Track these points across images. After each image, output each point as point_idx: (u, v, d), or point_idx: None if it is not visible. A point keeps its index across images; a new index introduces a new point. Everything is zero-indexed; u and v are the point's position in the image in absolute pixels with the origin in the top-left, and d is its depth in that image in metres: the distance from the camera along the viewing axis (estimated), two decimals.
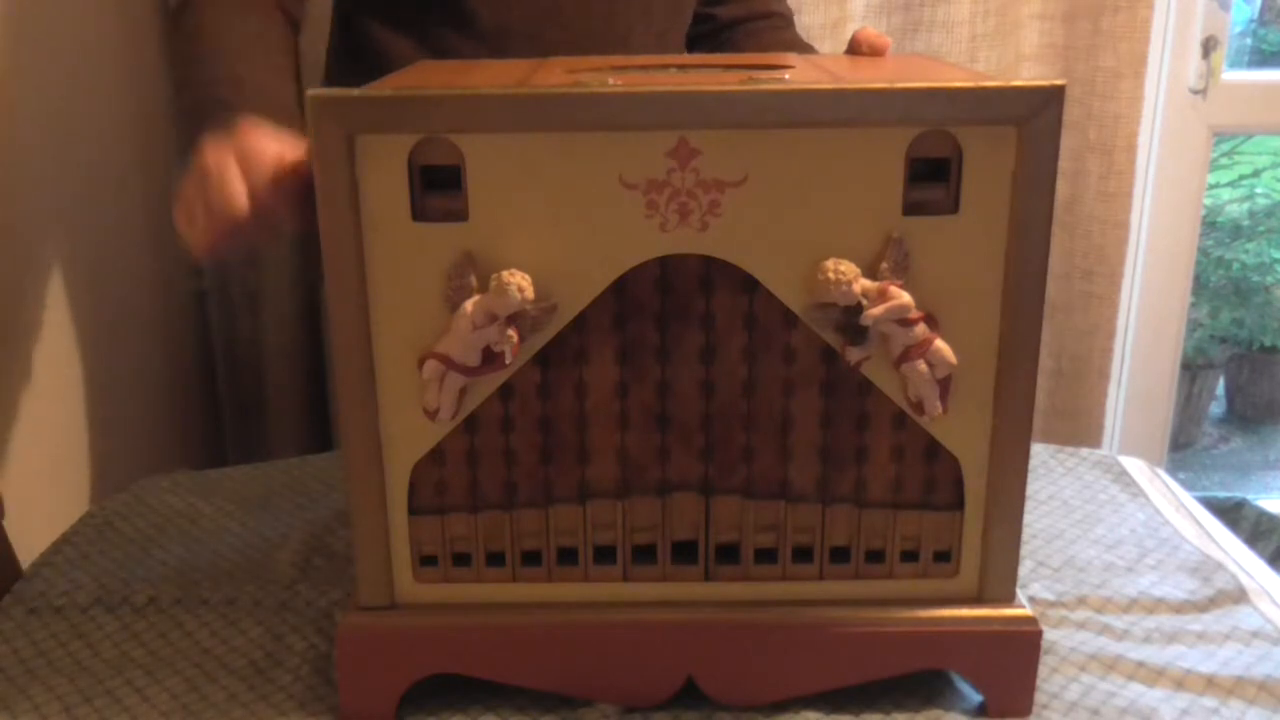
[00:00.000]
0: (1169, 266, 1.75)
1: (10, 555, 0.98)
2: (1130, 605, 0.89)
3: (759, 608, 0.75)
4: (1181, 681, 0.79)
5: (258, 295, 1.57)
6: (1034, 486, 1.06)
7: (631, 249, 0.69)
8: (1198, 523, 1.03)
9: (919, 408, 0.71)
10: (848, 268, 0.68)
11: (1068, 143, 1.53)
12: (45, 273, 1.22)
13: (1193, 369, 3.02)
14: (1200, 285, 2.99)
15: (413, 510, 0.74)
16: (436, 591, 0.75)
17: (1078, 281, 1.65)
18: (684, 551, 0.75)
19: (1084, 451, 1.17)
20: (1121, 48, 1.54)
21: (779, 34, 1.20)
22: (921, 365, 0.70)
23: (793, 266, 0.69)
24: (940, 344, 0.70)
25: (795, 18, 1.25)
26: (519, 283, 0.67)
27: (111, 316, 1.34)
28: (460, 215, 0.68)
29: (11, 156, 1.15)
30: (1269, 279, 3.10)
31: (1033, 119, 0.66)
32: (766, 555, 0.75)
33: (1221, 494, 2.51)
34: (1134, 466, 1.13)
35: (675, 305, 0.71)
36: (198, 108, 0.83)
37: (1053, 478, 1.11)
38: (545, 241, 0.69)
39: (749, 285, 0.70)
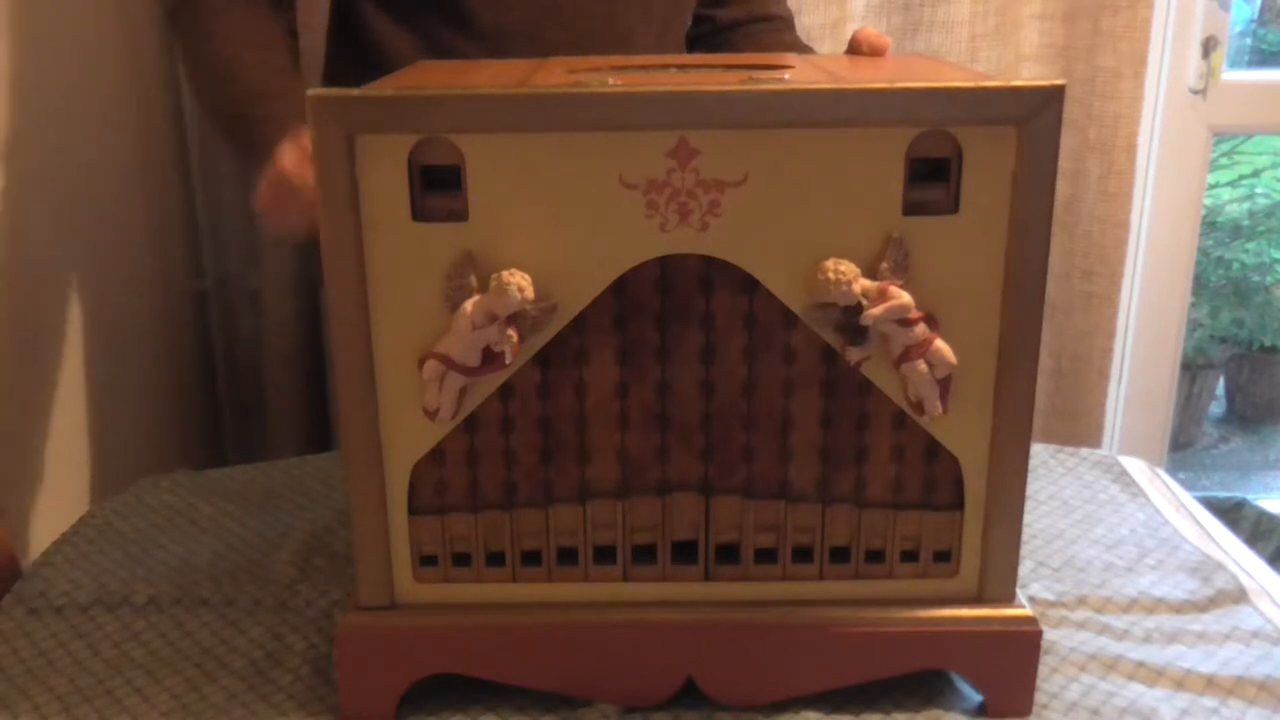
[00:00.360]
0: (1169, 266, 1.75)
1: (10, 555, 0.98)
2: (1130, 605, 0.89)
3: (759, 608, 0.75)
4: (1181, 681, 0.79)
5: (258, 295, 1.57)
6: (1034, 486, 1.06)
7: (631, 249, 0.69)
8: (1198, 523, 1.03)
9: (919, 408, 0.71)
10: (848, 268, 0.68)
11: (1068, 143, 1.53)
12: (45, 273, 1.22)
13: (1193, 369, 3.02)
14: (1200, 285, 2.99)
15: (413, 510, 0.74)
16: (436, 591, 0.75)
17: (1078, 281, 1.65)
18: (684, 551, 0.75)
19: (1084, 451, 1.17)
20: (1121, 48, 1.54)
21: (778, 36, 1.20)
22: (921, 365, 0.70)
23: (793, 266, 0.69)
24: (940, 344, 0.70)
25: (795, 18, 1.25)
26: (519, 283, 0.67)
27: (111, 316, 1.34)
28: (460, 215, 0.68)
29: (12, 156, 1.15)
30: (1269, 279, 3.10)
31: (1033, 119, 0.66)
32: (766, 555, 0.75)
33: (1221, 494, 2.51)
34: (1134, 466, 1.13)
35: (675, 305, 0.71)
36: (239, 123, 0.97)
37: (1053, 478, 1.11)
38: (545, 241, 0.69)
39: (749, 285, 0.70)
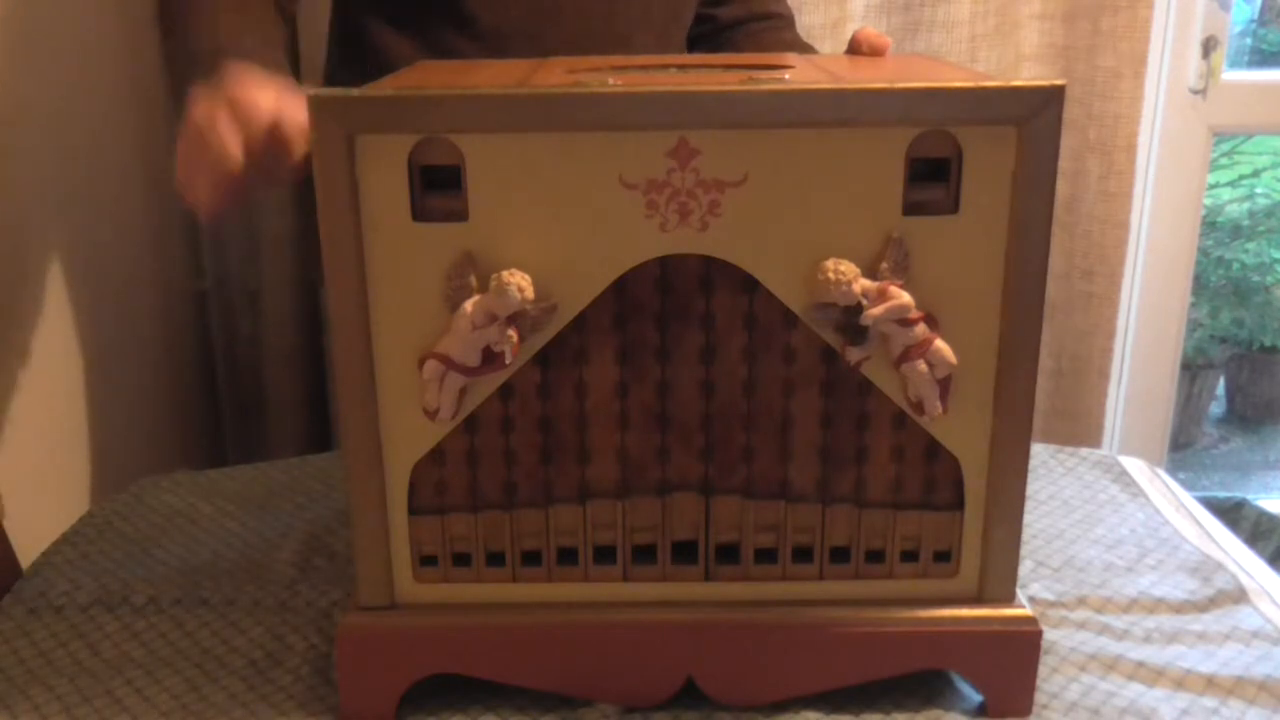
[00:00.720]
0: (1169, 266, 1.75)
1: (10, 555, 0.98)
2: (1130, 605, 0.89)
3: (759, 608, 0.75)
4: (1181, 681, 0.79)
5: (258, 295, 1.57)
6: (1034, 486, 1.06)
7: (631, 249, 0.69)
8: (1198, 523, 1.03)
9: (919, 408, 0.71)
10: (848, 268, 0.68)
11: (1068, 143, 1.53)
12: (45, 272, 1.22)
13: (1193, 369, 3.02)
14: (1200, 285, 2.99)
15: (413, 510, 0.74)
16: (436, 591, 0.75)
17: (1078, 281, 1.65)
18: (684, 551, 0.75)
19: (1084, 451, 1.17)
20: (1121, 48, 1.54)
21: (779, 35, 1.20)
22: (921, 365, 0.70)
23: (793, 266, 0.69)
24: (940, 344, 0.70)
25: (795, 18, 1.25)
26: (519, 283, 0.67)
27: (111, 316, 1.34)
28: (460, 215, 0.68)
29: (12, 156, 1.15)
30: (1269, 279, 3.10)
31: (1033, 119, 0.66)
32: (766, 555, 0.75)
33: (1221, 494, 2.51)
34: (1134, 466, 1.13)
35: (675, 305, 0.71)
36: (188, 63, 0.81)
37: (1053, 478, 1.11)
38: (545, 241, 0.69)
39: (749, 285, 0.70)
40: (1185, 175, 1.72)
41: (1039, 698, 0.77)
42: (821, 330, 0.70)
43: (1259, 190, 3.13)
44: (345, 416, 0.72)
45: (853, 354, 0.70)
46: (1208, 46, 1.67)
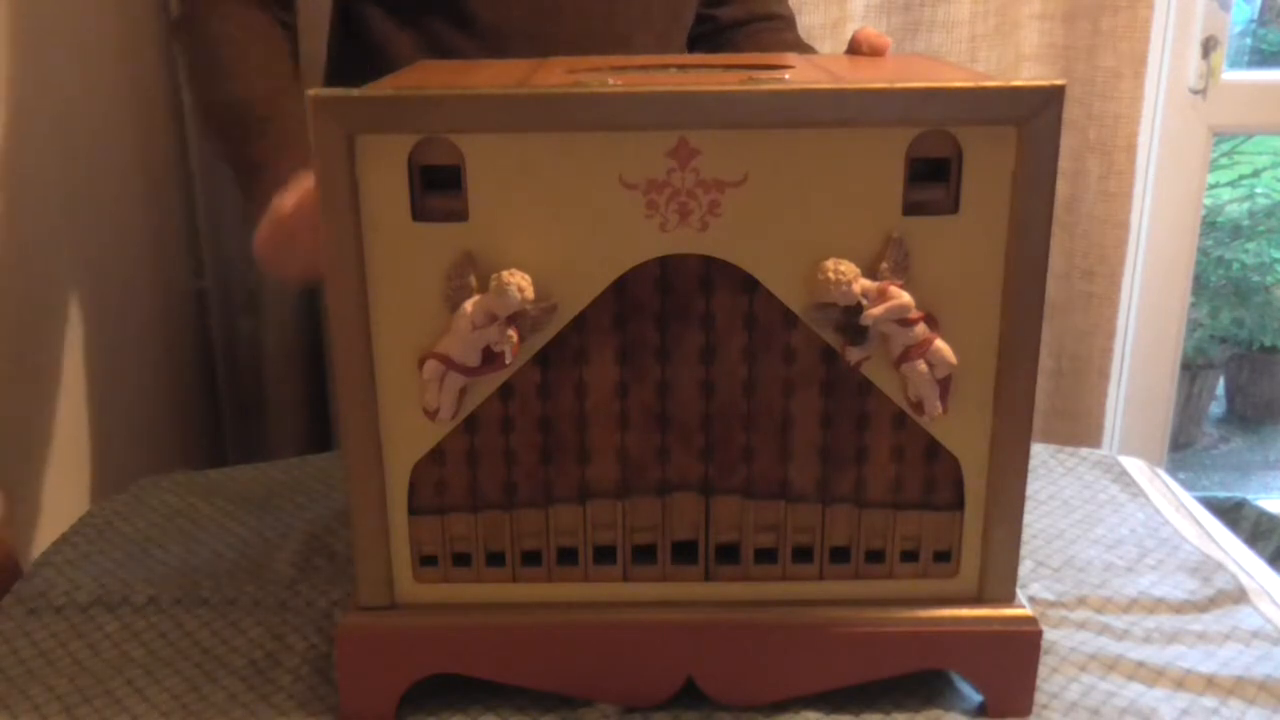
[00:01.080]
0: (1169, 266, 1.75)
1: (10, 555, 0.98)
2: (1130, 605, 0.89)
3: (759, 608, 0.75)
4: (1181, 681, 0.79)
5: (258, 295, 1.57)
6: (1034, 486, 1.06)
7: (631, 249, 0.69)
8: (1198, 523, 1.03)
9: (919, 408, 0.71)
10: (848, 268, 0.68)
11: (1068, 143, 1.53)
12: (45, 272, 1.22)
13: (1193, 369, 3.02)
14: (1200, 285, 2.99)
15: (413, 510, 0.74)
16: (436, 591, 0.75)
17: (1078, 281, 1.65)
18: (684, 551, 0.75)
19: (1084, 451, 1.17)
20: (1121, 48, 1.54)
21: (780, 35, 1.20)
22: (921, 365, 0.70)
23: (793, 266, 0.69)
24: (940, 344, 0.70)
25: (795, 18, 1.25)
26: (519, 283, 0.67)
27: (111, 316, 1.34)
28: (460, 215, 0.68)
29: (12, 156, 1.15)
30: (1269, 279, 3.10)
31: (1033, 119, 0.66)
32: (766, 555, 0.75)
33: (1221, 494, 2.51)
34: (1134, 466, 1.13)
35: (675, 305, 0.71)
36: (244, 160, 0.95)
37: (1053, 478, 1.11)
38: (545, 241, 0.69)
39: (749, 285, 0.70)
40: (1185, 175, 1.72)
41: (1039, 698, 0.77)
42: (821, 330, 0.70)
43: (1259, 190, 3.13)
44: (345, 416, 0.72)
45: (853, 354, 0.70)
46: (1208, 46, 1.67)
